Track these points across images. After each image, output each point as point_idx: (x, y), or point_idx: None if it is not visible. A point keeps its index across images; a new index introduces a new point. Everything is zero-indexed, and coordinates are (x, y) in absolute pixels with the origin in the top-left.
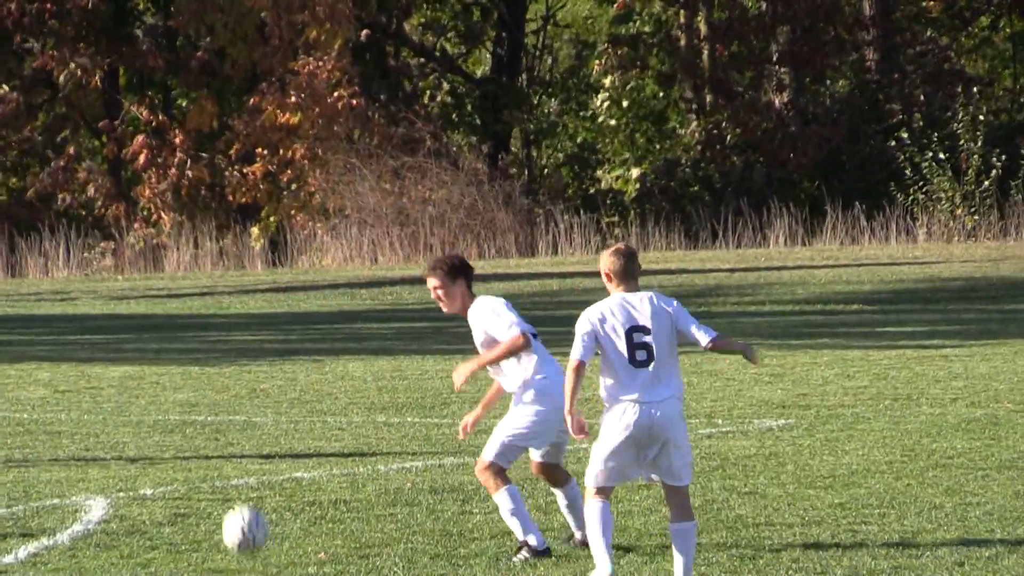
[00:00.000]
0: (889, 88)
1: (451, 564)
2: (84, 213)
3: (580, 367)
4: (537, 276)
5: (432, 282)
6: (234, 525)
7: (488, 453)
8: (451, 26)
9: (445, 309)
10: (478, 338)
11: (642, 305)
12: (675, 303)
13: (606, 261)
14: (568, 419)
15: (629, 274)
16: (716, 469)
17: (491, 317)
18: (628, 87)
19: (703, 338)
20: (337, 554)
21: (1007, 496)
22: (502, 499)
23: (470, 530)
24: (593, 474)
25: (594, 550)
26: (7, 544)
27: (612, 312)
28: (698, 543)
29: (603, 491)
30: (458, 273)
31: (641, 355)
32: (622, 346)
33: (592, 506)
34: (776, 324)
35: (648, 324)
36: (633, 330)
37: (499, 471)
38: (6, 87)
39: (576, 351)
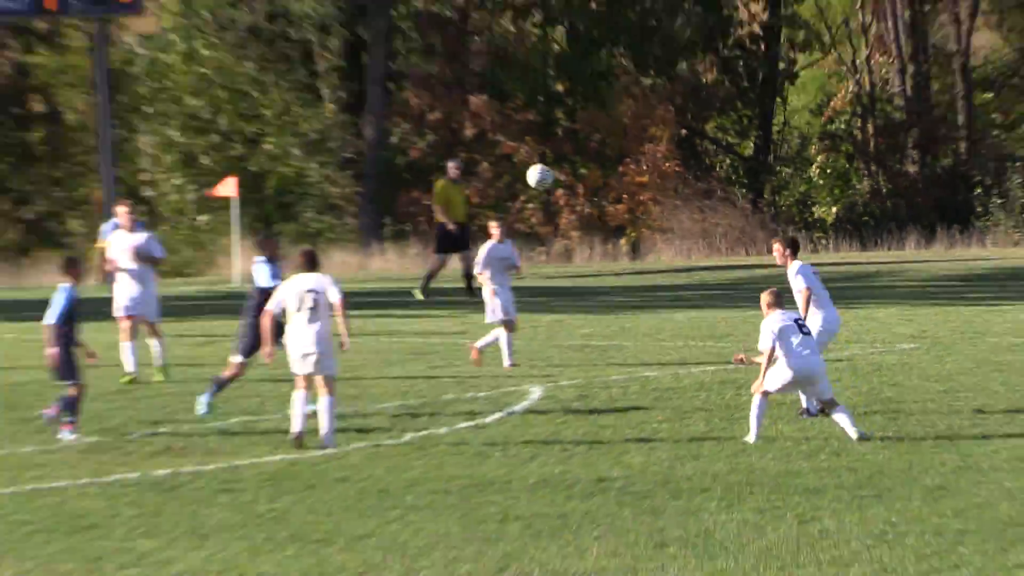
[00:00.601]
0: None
1: None
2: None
3: (771, 352)
4: (762, 266)
5: (776, 246)
6: (533, 171)
7: None
8: (734, 128)
9: (779, 262)
10: (794, 286)
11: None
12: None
13: (765, 299)
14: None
15: (779, 303)
16: (874, 372)
17: (799, 278)
18: (830, 160)
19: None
20: None
21: None
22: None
23: None
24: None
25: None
26: (483, 412)
27: (784, 320)
28: (865, 412)
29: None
30: (790, 245)
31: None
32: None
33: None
34: (912, 292)
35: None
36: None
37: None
38: None
39: (766, 343)
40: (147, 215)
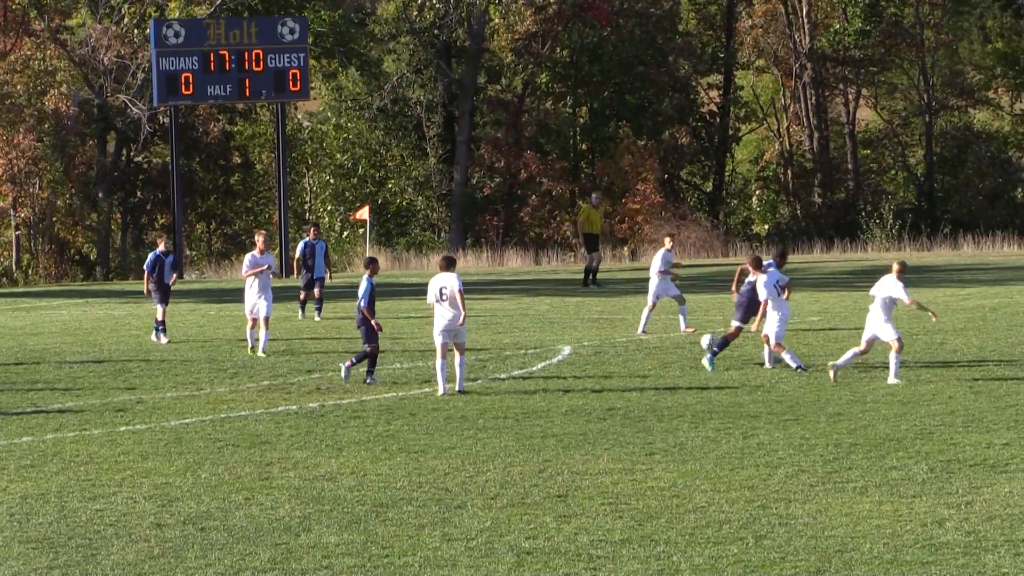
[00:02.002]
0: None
1: None
2: None
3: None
4: (718, 266)
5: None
6: None
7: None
8: (699, 173)
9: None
10: (759, 292)
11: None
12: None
13: (751, 264)
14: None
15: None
16: (793, 336)
17: (762, 289)
18: (763, 195)
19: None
20: None
21: None
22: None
23: None
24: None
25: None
26: (530, 363)
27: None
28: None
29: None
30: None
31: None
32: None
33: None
34: (817, 282)
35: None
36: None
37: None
38: None
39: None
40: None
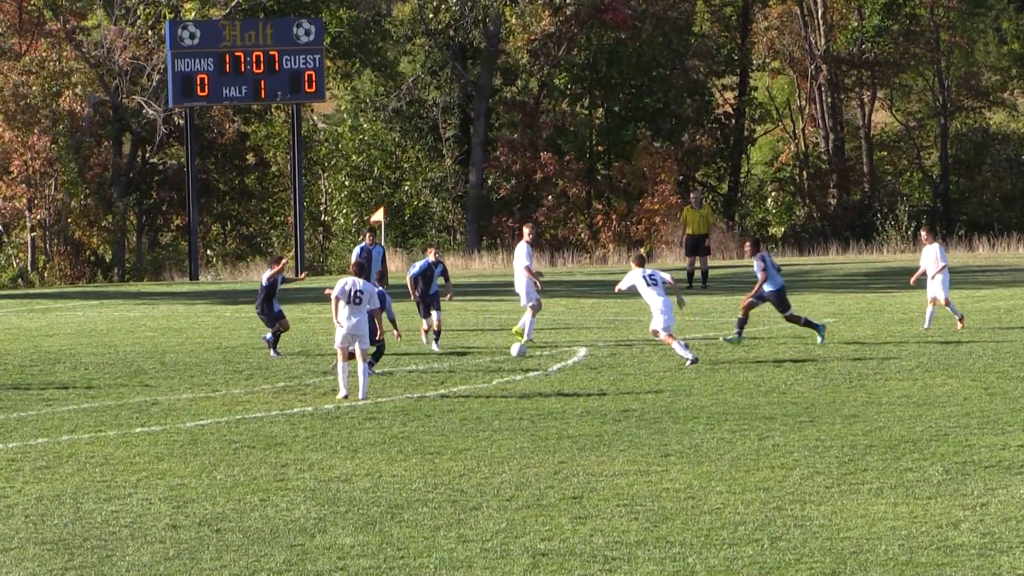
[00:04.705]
0: None
1: None
2: None
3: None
4: (733, 266)
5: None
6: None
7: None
8: (715, 174)
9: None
10: (755, 268)
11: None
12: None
13: (749, 248)
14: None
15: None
16: (809, 336)
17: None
18: (779, 196)
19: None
20: None
21: None
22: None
23: None
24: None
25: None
26: (546, 365)
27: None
28: (801, 361)
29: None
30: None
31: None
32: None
33: None
34: (833, 283)
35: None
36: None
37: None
38: None
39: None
40: (323, 233)
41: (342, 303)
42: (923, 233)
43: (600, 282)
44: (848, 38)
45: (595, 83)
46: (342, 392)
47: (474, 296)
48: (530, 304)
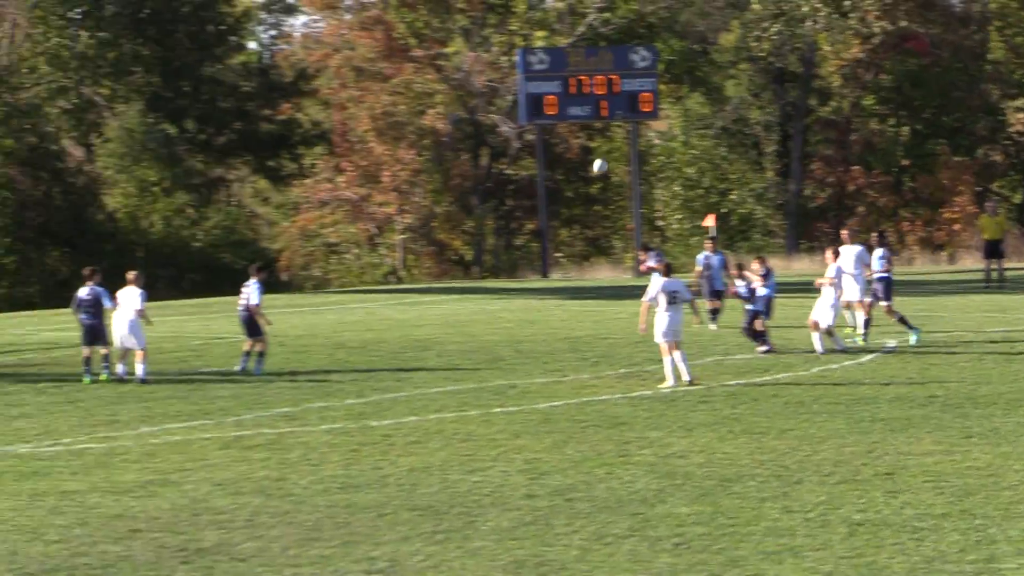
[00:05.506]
0: None
1: None
2: None
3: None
4: None
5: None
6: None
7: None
8: (1009, 186)
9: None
10: None
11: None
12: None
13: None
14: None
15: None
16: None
17: None
18: None
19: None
20: None
21: None
22: None
23: None
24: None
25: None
26: (844, 358)
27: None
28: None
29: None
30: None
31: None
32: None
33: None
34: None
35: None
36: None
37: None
38: None
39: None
40: (659, 237)
41: (662, 299)
42: None
43: (906, 282)
44: None
45: (900, 104)
46: (669, 382)
47: (793, 294)
48: (860, 300)
